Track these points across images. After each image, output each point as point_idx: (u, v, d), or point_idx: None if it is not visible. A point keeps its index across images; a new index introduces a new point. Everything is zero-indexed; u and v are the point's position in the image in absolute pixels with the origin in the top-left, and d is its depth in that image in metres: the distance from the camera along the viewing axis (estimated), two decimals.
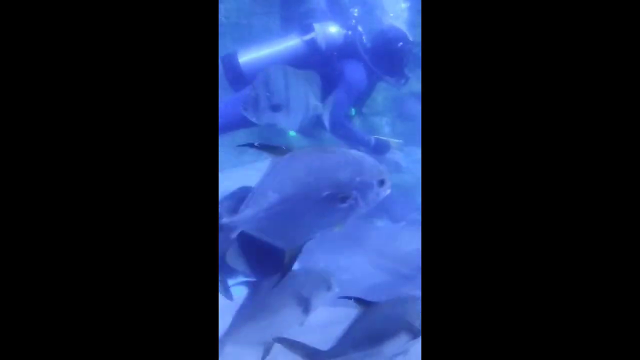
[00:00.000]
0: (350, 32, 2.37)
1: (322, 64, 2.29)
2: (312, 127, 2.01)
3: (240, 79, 2.29)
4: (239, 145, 1.10)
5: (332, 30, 2.37)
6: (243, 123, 1.87)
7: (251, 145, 1.08)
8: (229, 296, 1.49)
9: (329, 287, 1.49)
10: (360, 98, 2.49)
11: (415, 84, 2.65)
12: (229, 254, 1.33)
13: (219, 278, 1.21)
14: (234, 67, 2.28)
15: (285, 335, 1.47)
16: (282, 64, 1.80)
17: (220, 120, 1.78)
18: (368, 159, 1.12)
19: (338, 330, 1.45)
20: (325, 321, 1.77)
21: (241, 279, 1.63)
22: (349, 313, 1.55)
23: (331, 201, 1.08)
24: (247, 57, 2.30)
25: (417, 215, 3.02)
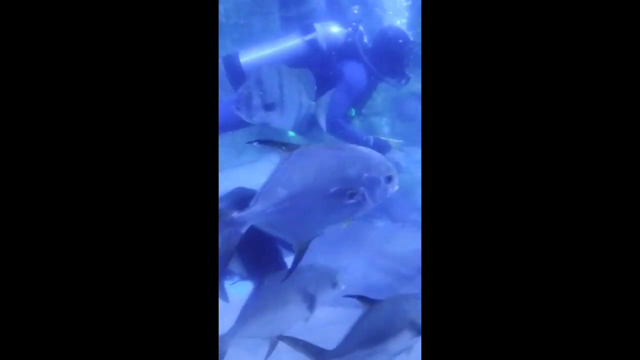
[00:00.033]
0: (351, 31, 2.37)
1: (322, 64, 2.29)
2: (307, 127, 1.99)
3: (242, 79, 2.29)
4: (249, 142, 1.12)
5: (333, 30, 2.37)
6: (243, 123, 1.87)
7: (260, 142, 1.10)
8: (224, 297, 1.49)
9: (334, 284, 1.50)
10: (360, 99, 2.49)
11: (415, 84, 2.65)
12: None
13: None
14: (235, 67, 2.29)
15: (288, 333, 1.48)
16: (282, 64, 1.80)
17: (220, 120, 1.78)
18: (376, 156, 1.14)
19: (338, 330, 1.46)
20: (325, 321, 1.77)
21: (238, 280, 1.64)
22: (348, 313, 1.55)
23: (339, 197, 1.09)
24: (248, 57, 2.30)
25: (417, 216, 3.03)
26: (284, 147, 1.10)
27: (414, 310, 1.40)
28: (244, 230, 1.11)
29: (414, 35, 2.43)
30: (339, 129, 2.30)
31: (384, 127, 4.21)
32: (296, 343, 1.43)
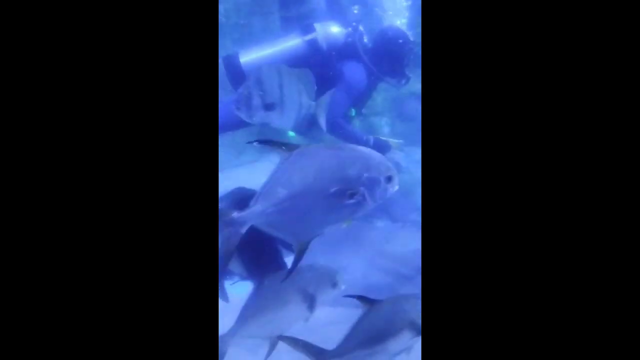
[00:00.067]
0: (351, 31, 2.37)
1: (322, 64, 2.29)
2: (308, 127, 1.98)
3: (242, 79, 2.29)
4: (249, 142, 1.12)
5: (333, 30, 2.37)
6: (244, 123, 1.87)
7: (261, 142, 1.10)
8: (225, 297, 1.50)
9: (334, 284, 1.50)
10: (360, 99, 2.49)
11: (415, 84, 2.65)
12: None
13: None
14: (235, 67, 2.29)
15: (288, 333, 1.48)
16: (281, 64, 1.79)
17: (220, 120, 1.78)
18: (376, 156, 1.14)
19: (338, 330, 1.46)
20: (325, 321, 1.77)
21: (238, 280, 1.64)
22: (348, 313, 1.55)
23: (339, 197, 1.09)
24: (248, 57, 2.30)
25: (417, 216, 3.03)
26: (284, 147, 1.10)
27: (414, 310, 1.41)
28: (244, 230, 1.11)
29: (414, 35, 2.43)
30: (338, 129, 2.30)
31: (384, 127, 4.21)
32: (296, 343, 1.43)
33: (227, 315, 1.44)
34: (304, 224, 1.12)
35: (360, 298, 1.44)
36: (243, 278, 1.61)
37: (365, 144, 2.41)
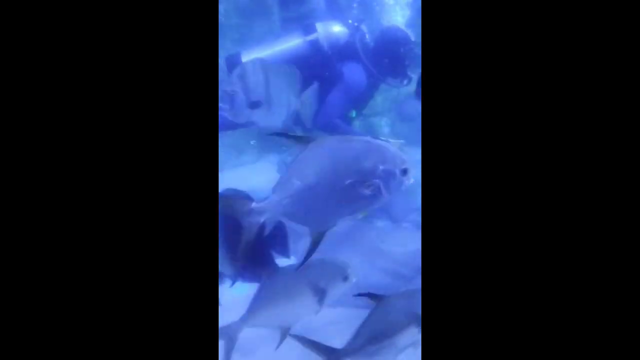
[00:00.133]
0: (352, 32, 2.36)
1: (323, 65, 2.29)
2: (294, 125, 1.92)
3: None
4: (270, 134, 1.14)
5: (335, 29, 2.36)
6: None
7: (278, 134, 1.12)
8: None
9: (345, 278, 1.51)
10: (360, 100, 2.48)
11: (415, 84, 2.65)
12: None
13: (240, 264, 1.25)
14: None
15: (298, 325, 1.51)
16: (284, 63, 1.77)
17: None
18: (391, 148, 1.15)
19: (338, 330, 1.46)
20: (325, 321, 1.77)
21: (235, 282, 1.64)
22: (348, 313, 1.56)
23: (354, 189, 1.10)
24: (251, 57, 2.30)
25: (417, 216, 3.03)
26: (300, 140, 1.12)
27: (420, 305, 1.41)
28: (262, 219, 1.14)
29: (415, 35, 2.42)
30: (336, 129, 2.30)
31: (384, 127, 4.21)
32: (307, 343, 1.45)
33: (226, 316, 1.44)
34: (319, 214, 1.14)
35: (368, 295, 1.46)
36: (234, 280, 1.61)
37: None
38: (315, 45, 2.30)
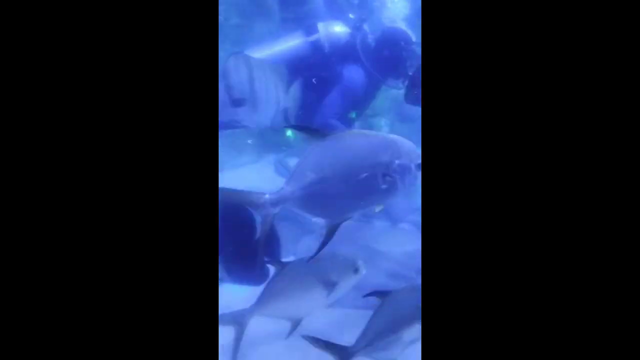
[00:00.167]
0: (354, 32, 2.36)
1: (322, 65, 2.29)
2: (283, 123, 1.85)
3: None
4: (289, 127, 1.17)
5: (336, 29, 2.36)
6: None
7: (295, 127, 1.15)
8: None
9: (356, 270, 1.53)
10: (361, 101, 2.47)
11: (407, 88, 2.63)
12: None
13: (257, 253, 1.26)
14: None
15: (308, 317, 1.54)
16: (284, 64, 1.75)
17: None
18: (407, 143, 1.18)
19: (338, 331, 1.47)
20: (325, 322, 1.77)
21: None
22: (348, 313, 1.56)
23: (370, 182, 1.12)
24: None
25: (416, 216, 3.03)
26: (317, 134, 1.14)
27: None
28: (276, 210, 1.16)
29: (416, 36, 2.42)
30: (332, 129, 2.30)
31: (384, 128, 4.20)
32: (318, 343, 1.47)
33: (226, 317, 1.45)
34: (334, 207, 1.16)
35: (374, 294, 1.49)
36: (224, 281, 1.62)
37: None
38: (316, 46, 2.30)
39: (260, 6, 4.19)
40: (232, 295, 1.61)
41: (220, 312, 1.51)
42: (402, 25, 2.46)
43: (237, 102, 1.56)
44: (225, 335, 1.49)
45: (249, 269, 1.65)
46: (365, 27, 2.39)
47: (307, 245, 2.45)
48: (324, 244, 1.20)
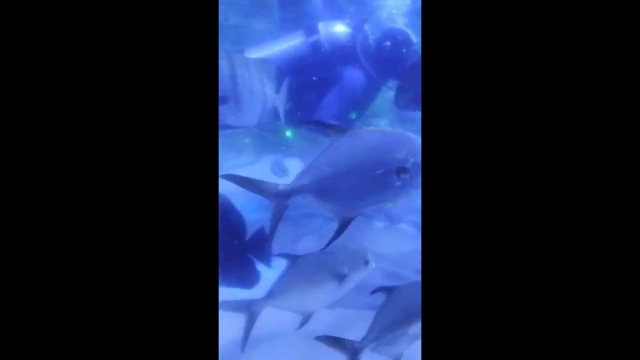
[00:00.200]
0: (354, 32, 2.36)
1: (322, 65, 2.29)
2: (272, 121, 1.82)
3: None
4: (308, 123, 1.18)
5: (337, 29, 2.36)
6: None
7: (314, 123, 1.15)
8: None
9: (366, 262, 1.55)
10: (360, 101, 2.48)
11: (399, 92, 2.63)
12: None
13: (266, 247, 1.27)
14: None
15: (320, 309, 1.57)
16: (285, 63, 1.74)
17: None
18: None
19: (339, 331, 1.47)
20: (325, 322, 1.77)
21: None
22: (348, 314, 1.56)
23: (385, 179, 1.13)
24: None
25: (416, 217, 3.03)
26: (336, 130, 1.15)
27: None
28: (288, 202, 1.17)
29: (417, 37, 2.42)
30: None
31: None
32: (327, 340, 1.48)
33: (227, 319, 1.45)
34: (347, 201, 1.16)
35: (381, 289, 1.52)
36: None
37: None
38: (315, 46, 2.30)
39: (259, 6, 4.18)
40: (231, 295, 1.61)
41: (232, 299, 1.53)
42: (403, 26, 2.46)
43: (219, 100, 1.48)
44: (236, 322, 1.52)
45: (241, 271, 1.65)
46: (366, 27, 2.39)
47: (307, 246, 2.45)
48: (335, 237, 1.21)
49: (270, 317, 1.60)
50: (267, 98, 1.58)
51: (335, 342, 1.48)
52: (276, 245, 1.27)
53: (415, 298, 1.46)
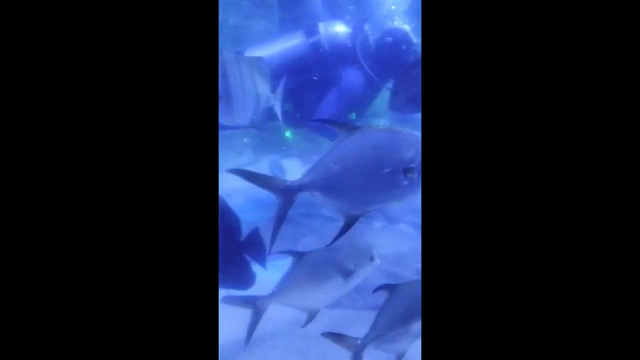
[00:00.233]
0: (355, 33, 2.36)
1: (321, 66, 2.29)
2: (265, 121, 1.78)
3: None
4: (312, 120, 1.18)
5: (337, 30, 2.36)
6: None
7: (324, 121, 1.15)
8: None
9: (372, 258, 1.56)
10: (360, 102, 2.47)
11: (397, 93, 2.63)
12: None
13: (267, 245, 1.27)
14: None
15: (327, 305, 1.56)
16: (284, 63, 1.74)
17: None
18: None
19: (338, 331, 1.47)
20: (325, 322, 1.77)
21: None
22: (348, 314, 1.56)
23: (392, 178, 1.13)
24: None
25: (415, 217, 3.03)
26: (347, 128, 1.16)
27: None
28: (295, 197, 1.17)
29: (417, 37, 2.42)
30: (328, 130, 2.30)
31: None
32: (332, 337, 1.49)
33: (227, 320, 1.45)
34: (354, 199, 1.17)
35: (384, 287, 1.51)
36: None
37: None
38: (315, 46, 2.30)
39: (259, 6, 4.19)
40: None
41: (239, 294, 1.53)
42: (402, 26, 2.46)
43: None
44: (236, 321, 1.51)
45: (237, 272, 1.65)
46: (366, 27, 2.39)
47: (307, 246, 2.45)
48: (340, 234, 1.21)
49: (270, 317, 1.60)
50: (260, 97, 1.54)
51: (338, 338, 1.48)
52: (276, 246, 1.27)
53: (418, 295, 1.46)
